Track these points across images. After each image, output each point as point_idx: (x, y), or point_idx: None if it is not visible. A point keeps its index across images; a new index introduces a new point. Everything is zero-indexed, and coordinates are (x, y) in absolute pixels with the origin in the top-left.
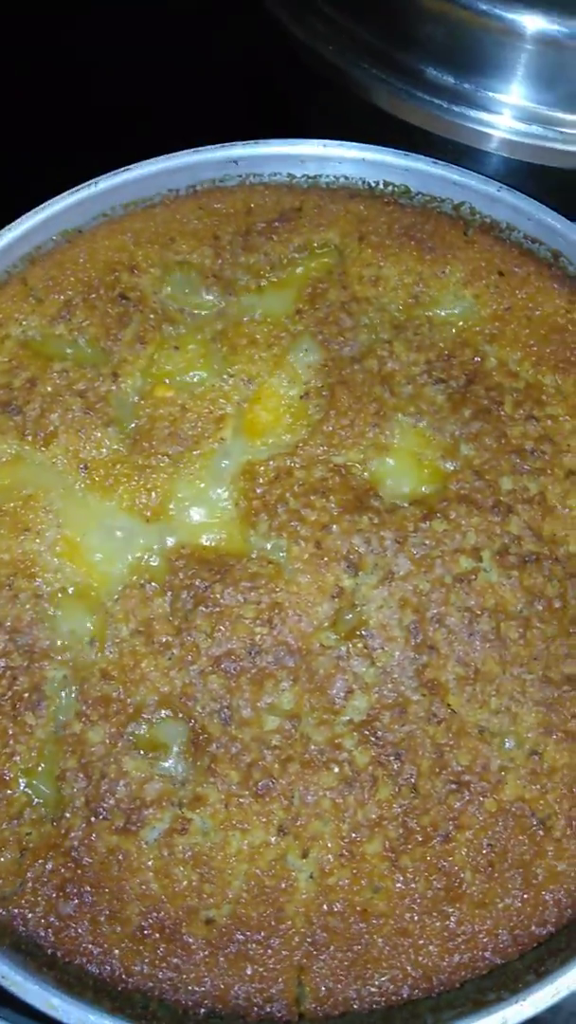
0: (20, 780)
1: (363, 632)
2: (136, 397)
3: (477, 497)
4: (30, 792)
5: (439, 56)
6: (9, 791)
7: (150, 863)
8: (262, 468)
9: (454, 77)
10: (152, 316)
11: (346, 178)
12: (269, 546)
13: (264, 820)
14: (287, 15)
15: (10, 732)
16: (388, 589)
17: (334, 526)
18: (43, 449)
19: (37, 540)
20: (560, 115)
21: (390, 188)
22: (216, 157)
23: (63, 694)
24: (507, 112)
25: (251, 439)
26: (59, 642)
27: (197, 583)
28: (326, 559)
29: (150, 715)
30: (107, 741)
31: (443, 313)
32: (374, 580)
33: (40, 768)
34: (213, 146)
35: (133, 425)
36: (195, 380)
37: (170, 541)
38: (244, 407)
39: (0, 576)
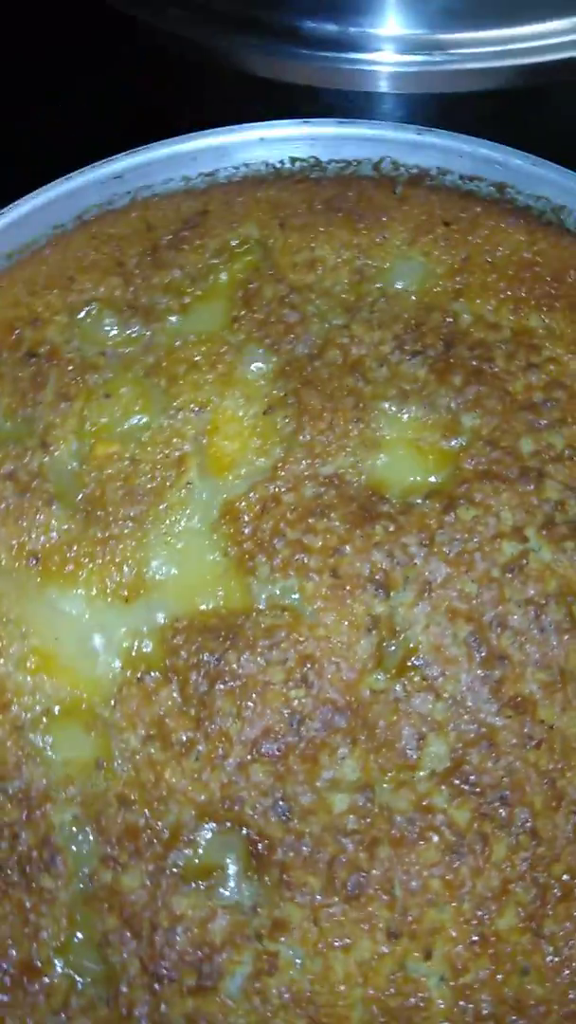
0: (55, 962)
1: (415, 662)
2: (76, 463)
3: (498, 469)
4: (71, 972)
5: (314, 8)
6: (45, 979)
7: (242, 1022)
8: (243, 504)
9: (336, 23)
10: (71, 368)
11: (247, 165)
12: (278, 591)
13: (367, 927)
14: (137, 10)
15: (27, 905)
16: (430, 603)
17: (346, 547)
18: None
19: (1, 660)
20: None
21: (297, 164)
22: (97, 176)
23: (79, 839)
24: (387, 48)
25: (220, 475)
26: (57, 776)
27: (205, 657)
28: (348, 587)
29: (192, 835)
30: (148, 883)
31: (396, 282)
32: (410, 597)
33: (76, 939)
34: (90, 166)
35: (80, 496)
36: (139, 425)
37: (160, 617)
38: (203, 441)
39: None
